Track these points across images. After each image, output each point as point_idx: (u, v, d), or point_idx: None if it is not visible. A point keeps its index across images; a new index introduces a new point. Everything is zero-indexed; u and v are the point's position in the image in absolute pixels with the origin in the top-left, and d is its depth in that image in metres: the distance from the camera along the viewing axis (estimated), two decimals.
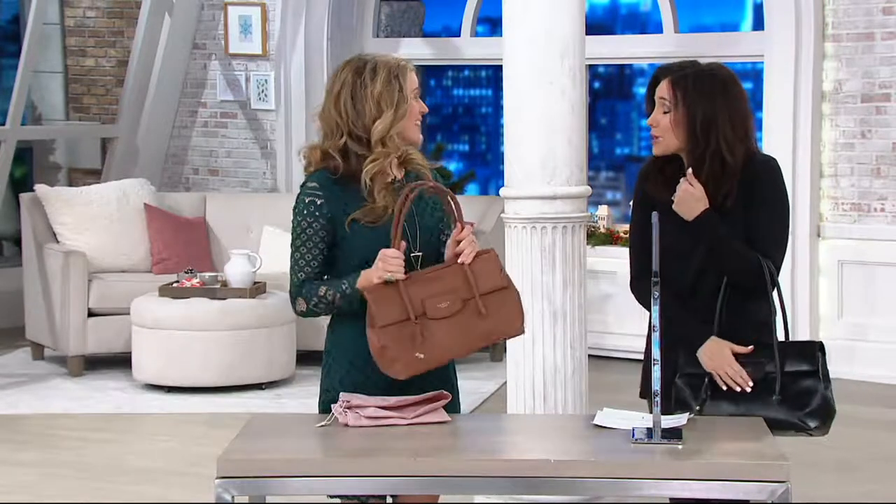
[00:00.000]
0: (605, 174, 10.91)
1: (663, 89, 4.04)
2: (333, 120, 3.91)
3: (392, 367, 3.74)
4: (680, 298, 4.02)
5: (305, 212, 3.90)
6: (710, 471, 3.48)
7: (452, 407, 3.91)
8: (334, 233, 3.88)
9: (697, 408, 3.96)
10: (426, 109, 3.96)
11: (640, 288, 4.13)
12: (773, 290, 4.03)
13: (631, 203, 4.24)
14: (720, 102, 4.01)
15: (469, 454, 3.61)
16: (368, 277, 3.76)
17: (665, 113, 4.03)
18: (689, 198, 4.00)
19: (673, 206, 4.02)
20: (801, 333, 8.22)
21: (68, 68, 11.07)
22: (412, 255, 3.85)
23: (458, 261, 3.77)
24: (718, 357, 3.99)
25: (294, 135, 9.98)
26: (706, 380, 4.00)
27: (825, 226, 8.57)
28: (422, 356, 3.73)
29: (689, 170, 4.03)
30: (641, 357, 4.28)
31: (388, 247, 3.78)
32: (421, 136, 3.97)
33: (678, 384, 4.00)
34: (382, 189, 3.86)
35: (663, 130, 4.05)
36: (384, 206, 3.84)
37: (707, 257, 4.05)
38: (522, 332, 3.84)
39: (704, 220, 4.00)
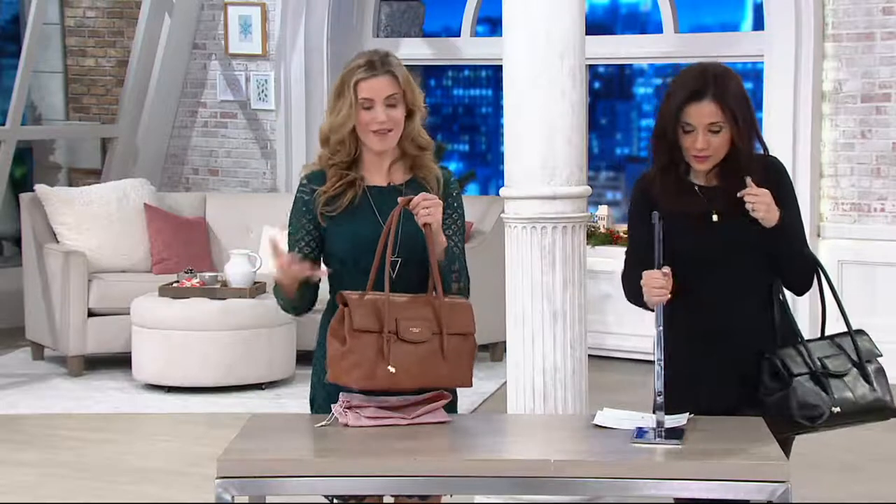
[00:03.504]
0: (605, 174, 10.91)
1: (712, 113, 3.89)
2: None
3: (349, 374, 3.70)
4: (700, 305, 3.96)
5: (294, 208, 4.00)
6: (710, 471, 3.48)
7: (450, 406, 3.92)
8: (320, 229, 3.94)
9: (837, 409, 3.92)
10: (380, 119, 3.86)
11: (633, 278, 4.02)
12: (829, 284, 4.05)
13: (629, 209, 4.15)
14: (747, 100, 3.97)
15: (469, 454, 3.61)
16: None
17: (715, 133, 3.90)
18: (769, 200, 3.91)
19: (759, 216, 3.89)
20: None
21: (68, 68, 11.07)
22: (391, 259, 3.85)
23: (421, 223, 3.78)
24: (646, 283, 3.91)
25: (294, 135, 9.98)
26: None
27: (825, 226, 8.57)
28: (392, 370, 3.70)
29: (748, 178, 3.92)
30: (641, 357, 4.28)
31: (361, 246, 3.83)
32: (384, 146, 3.90)
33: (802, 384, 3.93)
34: (332, 177, 3.92)
35: (715, 150, 3.93)
36: (332, 196, 3.90)
37: (778, 260, 3.99)
38: (470, 384, 3.87)
39: (786, 223, 3.95)
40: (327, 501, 3.90)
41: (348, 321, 3.72)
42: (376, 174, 3.96)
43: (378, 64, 3.88)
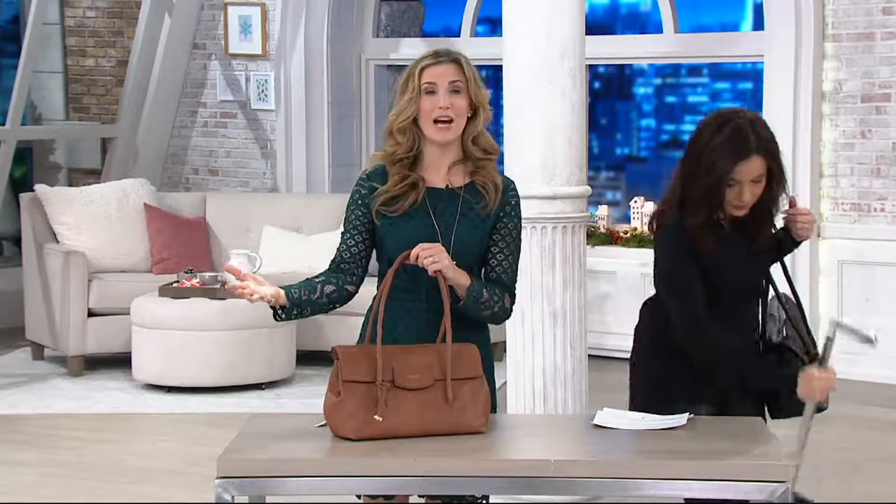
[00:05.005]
0: (605, 174, 10.90)
1: (759, 167, 3.99)
2: None
3: (345, 425, 3.65)
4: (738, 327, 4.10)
5: (350, 200, 3.93)
6: (710, 471, 3.48)
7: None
8: (373, 224, 3.89)
9: None
10: (442, 104, 3.80)
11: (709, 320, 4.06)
12: (783, 268, 4.25)
13: (670, 256, 4.10)
14: (776, 141, 4.06)
15: (470, 454, 3.61)
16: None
17: (756, 183, 4.00)
18: (814, 219, 4.21)
19: (806, 236, 4.11)
20: None
21: (68, 68, 11.07)
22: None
23: (431, 272, 3.73)
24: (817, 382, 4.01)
25: (294, 135, 9.98)
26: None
27: (825, 226, 8.57)
28: (379, 419, 3.64)
29: (793, 197, 4.14)
30: None
31: (413, 247, 3.75)
32: (445, 137, 3.83)
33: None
34: (395, 175, 3.87)
35: (756, 197, 4.03)
36: (393, 196, 3.84)
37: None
38: (484, 431, 3.75)
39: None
40: (358, 501, 3.89)
41: (340, 374, 3.68)
42: (435, 175, 3.89)
43: (444, 53, 3.88)
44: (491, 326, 4.00)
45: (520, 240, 3.94)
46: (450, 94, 3.82)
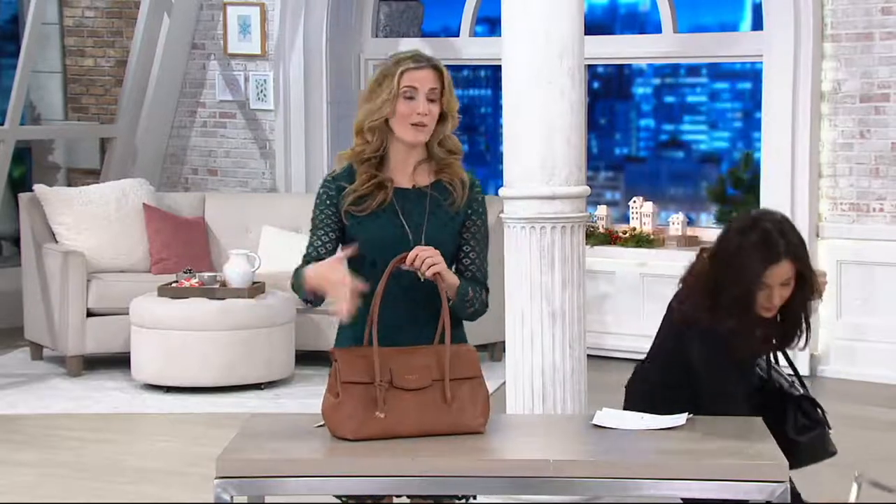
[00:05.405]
0: (604, 174, 10.90)
1: (788, 271, 4.03)
2: None
3: (344, 425, 3.67)
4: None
5: (318, 201, 3.95)
6: (710, 471, 3.49)
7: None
8: (343, 224, 3.91)
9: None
10: (421, 109, 3.82)
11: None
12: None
13: (713, 360, 4.15)
14: (804, 242, 4.11)
15: (469, 454, 3.61)
16: (311, 284, 3.75)
17: (786, 286, 4.05)
18: None
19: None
20: None
21: (67, 68, 11.06)
22: (403, 268, 3.79)
23: (430, 274, 3.73)
24: None
25: (293, 135, 9.97)
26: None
27: (824, 226, 8.57)
28: (382, 416, 3.66)
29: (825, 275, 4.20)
30: (640, 357, 4.35)
31: (383, 247, 3.78)
32: (417, 138, 3.85)
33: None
34: (362, 174, 3.89)
35: (783, 300, 4.08)
36: (361, 195, 3.87)
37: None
38: (482, 431, 3.76)
39: None
40: (338, 502, 3.89)
41: (339, 375, 3.70)
42: (401, 176, 3.91)
43: (424, 58, 3.89)
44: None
45: (488, 236, 3.98)
46: (427, 101, 3.84)
